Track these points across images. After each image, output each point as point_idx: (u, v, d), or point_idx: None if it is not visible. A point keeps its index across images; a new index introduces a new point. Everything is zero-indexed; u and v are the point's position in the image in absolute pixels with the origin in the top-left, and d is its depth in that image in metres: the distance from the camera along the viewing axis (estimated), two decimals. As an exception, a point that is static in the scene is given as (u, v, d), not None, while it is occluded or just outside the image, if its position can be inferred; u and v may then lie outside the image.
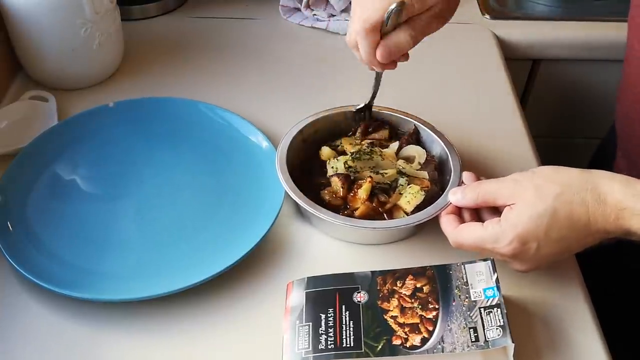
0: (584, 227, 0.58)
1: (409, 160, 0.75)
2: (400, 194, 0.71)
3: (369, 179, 0.70)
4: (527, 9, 1.16)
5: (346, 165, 0.73)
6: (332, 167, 0.73)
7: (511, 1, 1.18)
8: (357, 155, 0.74)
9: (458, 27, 1.07)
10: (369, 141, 0.77)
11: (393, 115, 0.80)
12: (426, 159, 0.75)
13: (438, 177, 0.74)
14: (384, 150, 0.76)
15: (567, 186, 0.59)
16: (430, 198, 0.70)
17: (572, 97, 1.19)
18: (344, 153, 0.76)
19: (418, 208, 0.69)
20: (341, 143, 0.77)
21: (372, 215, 0.70)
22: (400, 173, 0.73)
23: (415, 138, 0.78)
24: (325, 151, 0.76)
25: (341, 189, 0.71)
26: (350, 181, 0.71)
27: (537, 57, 1.12)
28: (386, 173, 0.72)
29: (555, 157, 1.21)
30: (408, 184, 0.71)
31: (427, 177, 0.73)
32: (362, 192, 0.70)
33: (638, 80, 0.76)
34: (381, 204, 0.70)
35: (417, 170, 0.74)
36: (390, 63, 0.68)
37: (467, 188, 0.65)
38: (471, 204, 0.65)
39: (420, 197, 0.70)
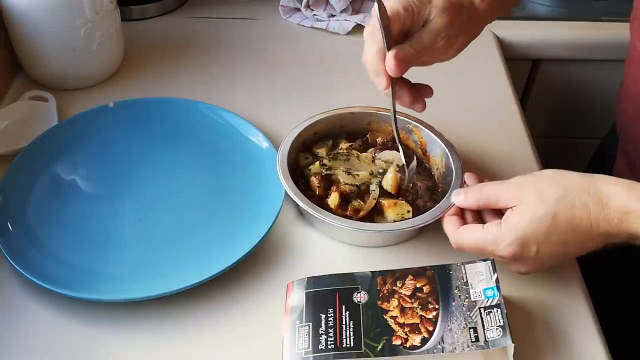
0: (585, 231, 0.58)
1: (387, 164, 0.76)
2: (374, 199, 0.71)
3: (335, 188, 0.71)
4: (527, 9, 1.16)
5: (321, 163, 0.74)
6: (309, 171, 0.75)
7: (511, 1, 1.18)
8: (334, 156, 0.75)
9: (458, 27, 1.07)
10: (349, 144, 0.78)
11: (391, 116, 0.80)
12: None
13: (422, 175, 0.76)
14: (362, 153, 0.77)
15: (569, 190, 0.59)
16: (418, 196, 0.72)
17: (572, 97, 1.19)
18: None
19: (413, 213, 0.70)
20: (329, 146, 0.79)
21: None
22: (374, 175, 0.73)
23: (391, 144, 0.78)
24: (301, 159, 0.77)
25: (317, 188, 0.72)
26: (327, 182, 0.72)
27: (537, 57, 1.12)
28: (358, 175, 0.73)
29: (556, 157, 1.22)
30: (380, 195, 0.72)
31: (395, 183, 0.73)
32: (331, 203, 0.70)
33: None
34: (355, 212, 0.70)
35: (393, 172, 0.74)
36: (395, 76, 0.65)
37: (469, 189, 0.65)
38: (473, 205, 0.65)
39: (404, 217, 0.70)
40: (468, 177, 0.69)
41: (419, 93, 0.69)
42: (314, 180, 0.72)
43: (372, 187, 0.72)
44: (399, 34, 0.64)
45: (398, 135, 0.71)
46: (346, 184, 0.72)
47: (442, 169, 0.76)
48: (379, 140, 0.79)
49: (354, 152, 0.77)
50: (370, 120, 0.81)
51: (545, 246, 0.59)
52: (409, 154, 0.73)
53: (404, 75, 0.69)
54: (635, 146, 0.80)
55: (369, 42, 0.65)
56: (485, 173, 0.78)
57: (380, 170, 0.75)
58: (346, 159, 0.75)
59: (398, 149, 0.72)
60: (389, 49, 0.63)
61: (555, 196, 0.59)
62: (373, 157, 0.77)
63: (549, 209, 0.58)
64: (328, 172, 0.73)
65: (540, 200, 0.59)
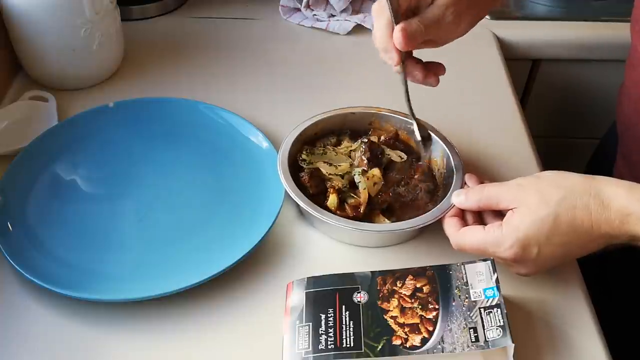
0: (587, 232, 0.58)
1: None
2: (365, 189, 0.71)
3: (332, 190, 0.71)
4: (527, 9, 1.16)
5: (300, 158, 0.75)
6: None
7: (511, 1, 1.18)
8: (311, 151, 0.76)
9: (458, 27, 1.07)
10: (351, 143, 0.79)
11: (393, 116, 0.80)
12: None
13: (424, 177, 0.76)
14: (338, 147, 0.78)
15: (570, 191, 0.59)
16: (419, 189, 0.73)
17: (572, 97, 1.19)
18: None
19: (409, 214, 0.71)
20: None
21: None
22: (354, 166, 0.74)
23: (393, 142, 0.78)
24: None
25: (308, 186, 0.72)
26: (317, 179, 0.72)
27: (537, 57, 1.12)
28: (339, 165, 0.74)
29: (555, 157, 1.22)
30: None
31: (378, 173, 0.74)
32: (330, 205, 0.71)
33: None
34: (355, 209, 0.70)
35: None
36: (405, 51, 0.65)
37: (470, 190, 0.65)
38: (474, 206, 0.65)
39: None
40: (469, 178, 0.69)
41: (431, 69, 0.69)
42: (306, 179, 0.72)
43: (357, 177, 0.72)
44: (407, 11, 0.64)
45: (412, 112, 0.72)
46: (330, 174, 0.72)
47: (442, 170, 0.76)
48: (382, 138, 0.79)
49: (329, 147, 0.78)
50: (372, 120, 0.81)
51: (546, 248, 0.59)
52: (423, 129, 0.76)
53: (414, 55, 0.68)
54: (636, 148, 0.80)
55: (377, 18, 0.65)
56: (486, 173, 0.78)
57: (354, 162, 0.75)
58: (323, 152, 0.76)
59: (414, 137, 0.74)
60: (396, 24, 0.63)
61: (557, 198, 0.59)
62: (350, 152, 0.77)
63: (550, 210, 0.58)
64: (309, 166, 0.74)
65: (542, 201, 0.59)
